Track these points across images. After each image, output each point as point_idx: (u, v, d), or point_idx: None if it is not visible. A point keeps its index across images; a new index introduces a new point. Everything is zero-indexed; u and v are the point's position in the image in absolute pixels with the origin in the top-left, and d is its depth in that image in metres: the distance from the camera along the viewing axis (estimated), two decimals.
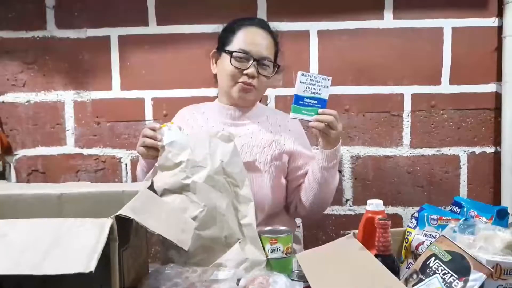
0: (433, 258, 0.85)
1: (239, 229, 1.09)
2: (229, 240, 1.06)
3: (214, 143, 1.13)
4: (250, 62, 1.31)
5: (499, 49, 1.71)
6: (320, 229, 1.79)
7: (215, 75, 1.41)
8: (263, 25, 1.38)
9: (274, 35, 1.40)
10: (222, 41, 1.38)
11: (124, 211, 0.74)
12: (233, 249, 1.05)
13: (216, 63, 1.40)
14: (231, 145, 1.14)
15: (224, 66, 1.34)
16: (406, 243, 1.07)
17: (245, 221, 1.10)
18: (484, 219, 1.03)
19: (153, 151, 1.18)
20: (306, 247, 1.69)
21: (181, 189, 1.07)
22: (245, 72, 1.31)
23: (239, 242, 1.06)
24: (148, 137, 1.17)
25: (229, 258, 1.03)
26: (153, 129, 1.17)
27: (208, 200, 1.06)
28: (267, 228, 1.14)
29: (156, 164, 1.14)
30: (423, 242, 1.03)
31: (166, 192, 1.08)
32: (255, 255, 1.05)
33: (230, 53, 1.31)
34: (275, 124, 1.40)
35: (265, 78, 1.35)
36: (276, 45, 1.40)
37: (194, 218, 1.04)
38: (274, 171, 1.34)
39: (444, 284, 0.79)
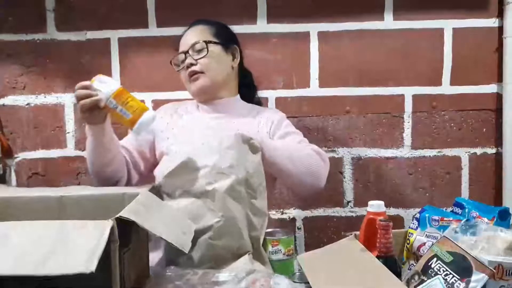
0: (434, 259, 0.85)
1: (250, 241, 1.07)
2: (239, 252, 1.04)
3: (244, 151, 1.10)
4: (183, 56, 1.39)
5: (499, 49, 1.70)
6: (321, 231, 1.78)
7: None
8: (196, 23, 1.45)
9: (209, 23, 1.44)
10: None
11: (125, 213, 0.73)
12: (242, 259, 1.04)
13: None
14: (258, 156, 1.12)
15: None
16: (408, 244, 1.07)
17: (254, 233, 1.08)
18: (485, 220, 1.02)
19: (98, 112, 1.11)
20: (307, 248, 1.69)
21: (201, 194, 1.05)
22: (182, 66, 1.40)
23: (249, 254, 1.05)
24: (84, 98, 1.09)
25: (237, 266, 1.02)
26: (86, 88, 1.09)
27: (226, 210, 1.03)
28: (269, 230, 1.14)
29: (166, 171, 1.10)
30: (424, 243, 1.03)
31: (184, 194, 1.06)
32: (262, 268, 1.03)
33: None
34: (256, 115, 1.44)
35: (205, 59, 1.37)
36: (212, 29, 1.43)
37: (209, 227, 1.02)
38: None
39: (446, 285, 0.79)
